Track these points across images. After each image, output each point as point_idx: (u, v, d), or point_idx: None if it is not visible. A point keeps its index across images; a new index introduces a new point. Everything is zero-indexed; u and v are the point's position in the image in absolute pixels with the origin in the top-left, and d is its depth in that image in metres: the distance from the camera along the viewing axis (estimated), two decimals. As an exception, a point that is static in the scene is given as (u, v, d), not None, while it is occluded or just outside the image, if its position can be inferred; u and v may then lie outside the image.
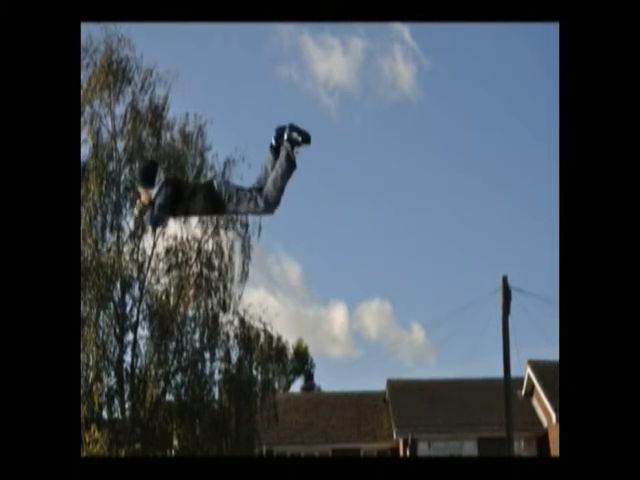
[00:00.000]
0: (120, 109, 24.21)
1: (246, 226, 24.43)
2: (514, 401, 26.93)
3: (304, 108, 56.87)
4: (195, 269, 24.08)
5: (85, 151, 23.03)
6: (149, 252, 23.79)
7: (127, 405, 23.10)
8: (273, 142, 6.59)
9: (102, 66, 23.76)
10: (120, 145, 23.97)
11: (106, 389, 22.86)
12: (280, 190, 6.55)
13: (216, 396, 24.24)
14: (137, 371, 23.37)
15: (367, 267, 60.44)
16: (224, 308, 24.05)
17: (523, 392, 32.18)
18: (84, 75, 23.20)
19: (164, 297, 23.76)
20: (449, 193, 54.97)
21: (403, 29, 52.80)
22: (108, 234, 23.74)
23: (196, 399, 23.46)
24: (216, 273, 24.16)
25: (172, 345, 23.67)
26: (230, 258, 24.32)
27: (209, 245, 24.27)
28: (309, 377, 49.00)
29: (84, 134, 23.00)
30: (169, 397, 23.75)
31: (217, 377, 24.09)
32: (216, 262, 24.17)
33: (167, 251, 23.91)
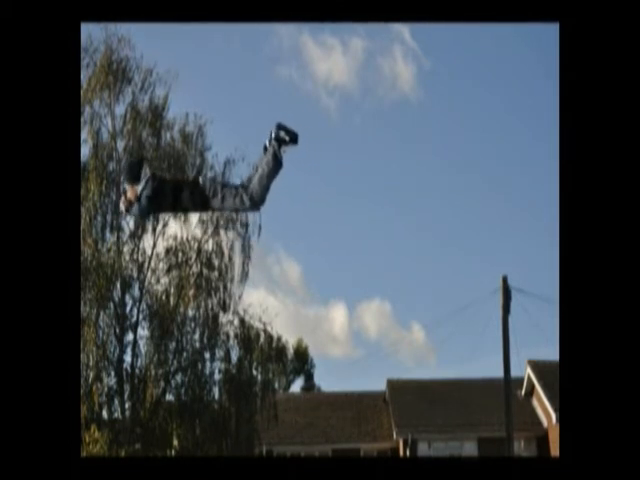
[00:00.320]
0: (120, 109, 24.23)
1: (246, 226, 24.44)
2: (514, 401, 26.93)
3: (304, 108, 56.92)
4: (195, 269, 24.08)
5: (85, 151, 23.04)
6: (149, 252, 23.80)
7: (127, 405, 23.10)
8: (267, 143, 6.61)
9: (102, 66, 23.75)
10: (120, 145, 23.97)
11: (106, 389, 22.86)
12: (265, 188, 6.57)
13: (216, 396, 24.24)
14: (137, 371, 23.36)
15: (367, 267, 60.48)
16: (224, 308, 24.05)
17: (523, 392, 32.19)
18: (84, 75, 23.21)
19: (164, 297, 23.76)
20: (449, 193, 55.01)
21: (403, 29, 52.83)
22: (108, 234, 23.75)
23: (196, 399, 23.46)
24: (216, 273, 24.15)
25: (172, 345, 23.67)
26: (230, 258, 24.32)
27: (209, 245, 24.28)
28: (309, 377, 49.00)
29: (84, 134, 23.01)
30: (169, 397, 23.75)
31: (217, 377, 24.11)
32: (216, 262, 24.17)
33: (167, 251, 23.91)
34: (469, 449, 30.56)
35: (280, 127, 6.53)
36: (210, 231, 24.32)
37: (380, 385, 34.94)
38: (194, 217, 24.09)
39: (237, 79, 55.81)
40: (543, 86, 54.18)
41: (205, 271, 24.06)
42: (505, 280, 25.52)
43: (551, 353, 40.07)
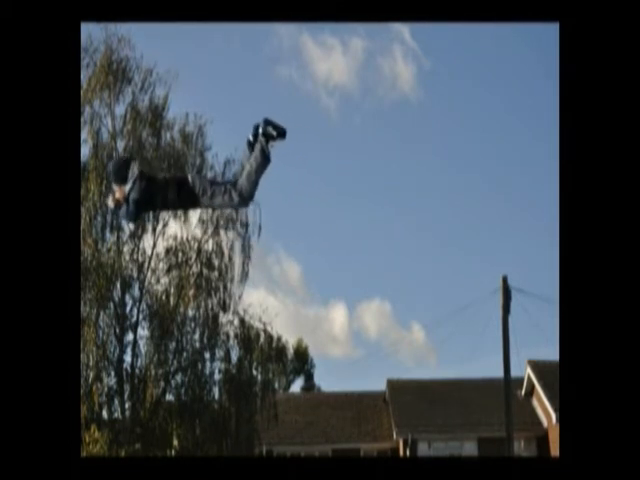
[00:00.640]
0: (120, 109, 24.23)
1: (246, 226, 24.43)
2: (514, 401, 26.93)
3: (304, 108, 56.94)
4: (195, 269, 24.08)
5: (85, 151, 23.02)
6: (149, 252, 23.80)
7: (127, 405, 23.10)
8: (250, 138, 6.58)
9: (102, 66, 23.75)
10: (120, 145, 23.97)
11: (106, 389, 22.86)
12: (254, 184, 6.56)
13: (216, 396, 24.25)
14: (137, 371, 23.37)
15: (367, 267, 60.48)
16: (224, 308, 24.05)
17: (523, 392, 32.19)
18: (84, 75, 23.21)
19: (164, 297, 23.76)
20: (449, 193, 55.01)
21: (403, 29, 52.83)
22: (108, 234, 23.75)
23: (196, 399, 23.46)
24: (216, 273, 24.15)
25: (172, 345, 23.67)
26: (230, 258, 24.31)
27: (209, 245, 24.28)
28: (309, 377, 49.00)
29: (84, 134, 23.00)
30: (169, 397, 23.75)
31: (217, 377, 24.11)
32: (216, 262, 24.17)
33: (167, 251, 23.91)
34: (469, 449, 30.56)
35: (268, 122, 6.51)
36: (210, 231, 24.32)
37: (380, 385, 34.97)
38: (194, 217, 24.12)
39: (237, 79, 55.84)
40: (543, 86, 54.21)
41: (205, 271, 24.06)
42: (505, 280, 25.52)
43: (551, 353, 40.08)
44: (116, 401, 23.12)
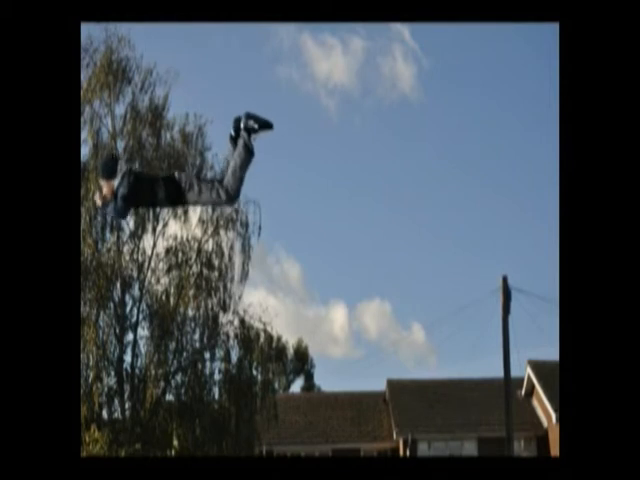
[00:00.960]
0: (120, 109, 24.22)
1: (246, 226, 24.43)
2: (514, 401, 26.94)
3: (304, 108, 56.97)
4: (195, 269, 24.07)
5: (85, 151, 23.01)
6: (149, 252, 23.79)
7: (127, 405, 23.10)
8: (232, 133, 6.57)
9: (102, 66, 23.75)
10: (120, 145, 23.97)
11: (106, 389, 22.86)
12: (239, 180, 6.55)
13: (216, 396, 24.24)
14: (137, 371, 23.36)
15: (367, 267, 60.46)
16: (224, 308, 24.04)
17: (523, 392, 32.19)
18: (84, 75, 23.20)
19: (164, 297, 23.76)
20: (449, 193, 55.01)
21: (403, 29, 52.81)
22: (108, 234, 23.75)
23: (196, 399, 23.45)
24: (216, 273, 24.15)
25: (172, 345, 23.66)
26: (230, 258, 24.31)
27: (209, 245, 24.28)
28: (309, 377, 48.98)
29: (84, 134, 22.99)
30: (169, 397, 23.74)
31: (217, 377, 24.11)
32: (216, 262, 24.17)
33: (167, 251, 23.91)
34: (469, 449, 30.56)
35: (249, 116, 6.50)
36: (210, 231, 24.32)
37: (380, 385, 34.95)
38: (194, 217, 24.13)
39: (237, 79, 55.82)
40: (543, 86, 54.20)
41: (205, 271, 24.06)
42: (505, 280, 25.53)
43: (551, 353, 40.09)
44: (116, 401, 23.12)
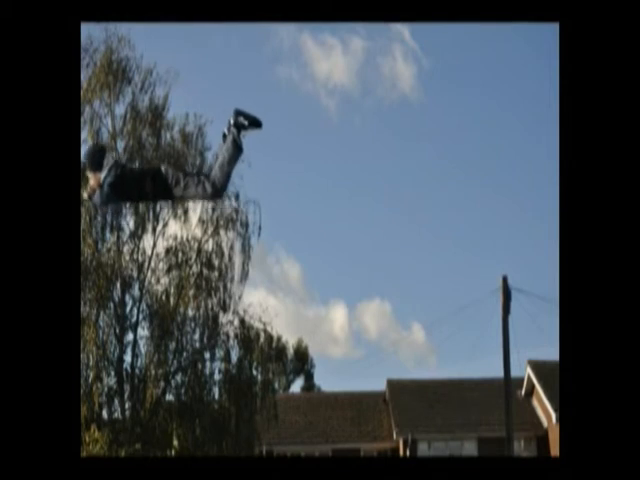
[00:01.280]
0: (120, 109, 24.23)
1: (246, 226, 24.43)
2: (514, 401, 26.94)
3: (304, 108, 56.97)
4: (195, 269, 24.07)
5: (85, 151, 23.00)
6: (149, 252, 23.79)
7: (127, 405, 23.10)
8: (225, 130, 6.60)
9: (102, 66, 23.75)
10: (120, 145, 23.98)
11: (106, 389, 22.86)
12: (227, 175, 6.57)
13: (216, 396, 24.24)
14: (137, 371, 23.36)
15: (367, 267, 60.48)
16: (224, 308, 24.04)
17: (523, 392, 32.19)
18: (84, 75, 23.20)
19: (164, 297, 23.76)
20: (449, 193, 55.04)
21: (403, 29, 52.83)
22: (108, 234, 23.75)
23: (196, 399, 23.45)
24: (216, 273, 24.14)
25: (172, 345, 23.66)
26: (230, 258, 24.30)
27: (209, 245, 24.27)
28: (309, 377, 48.98)
29: (84, 134, 22.98)
30: (169, 397, 23.74)
31: (217, 377, 24.11)
32: (216, 262, 24.16)
33: (167, 251, 23.91)
34: (469, 449, 30.56)
35: (239, 113, 6.53)
36: (210, 231, 24.31)
37: (380, 385, 34.96)
38: (194, 217, 24.13)
39: (237, 79, 55.81)
40: (543, 86, 54.20)
41: (205, 271, 24.06)
42: (505, 280, 25.53)
43: (551, 353, 40.08)
44: (116, 401, 23.12)
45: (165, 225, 24.02)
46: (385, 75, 58.42)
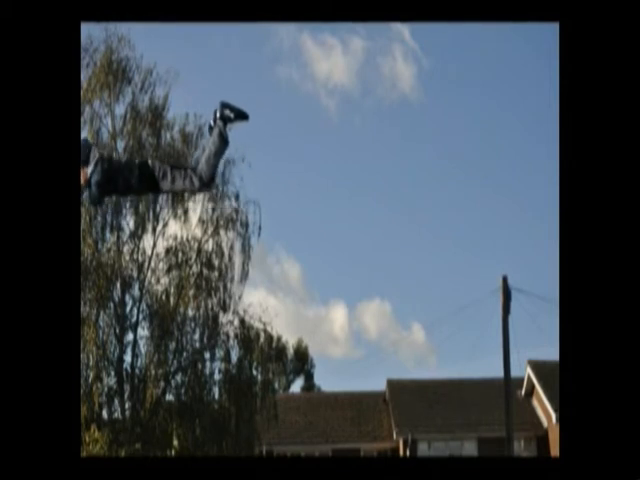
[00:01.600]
0: (120, 109, 24.26)
1: (246, 226, 24.45)
2: (514, 401, 26.94)
3: (304, 108, 56.97)
4: (195, 269, 24.09)
5: (85, 151, 23.00)
6: (149, 252, 23.81)
7: (127, 405, 23.11)
8: (211, 123, 6.61)
9: (102, 66, 23.76)
10: (120, 145, 24.00)
11: (106, 389, 22.87)
12: (213, 167, 6.56)
13: (216, 396, 24.26)
14: (137, 371, 23.37)
15: (367, 267, 60.50)
16: (224, 308, 24.05)
17: (523, 392, 32.19)
18: (84, 75, 23.23)
19: (164, 297, 23.77)
20: (449, 193, 55.06)
21: (403, 29, 52.83)
22: (108, 234, 23.77)
23: (196, 399, 23.46)
24: (216, 273, 24.16)
25: (172, 345, 23.67)
26: (230, 258, 24.33)
27: (209, 245, 24.29)
28: (309, 377, 48.98)
29: (84, 134, 22.93)
30: (169, 397, 23.76)
31: (217, 377, 24.14)
32: (216, 262, 24.18)
33: (167, 251, 23.92)
34: (469, 449, 30.57)
35: (225, 105, 6.54)
36: (210, 231, 24.32)
37: (380, 385, 34.97)
38: (194, 217, 24.14)
39: (237, 79, 55.79)
40: (543, 86, 54.21)
41: (205, 271, 24.07)
42: (505, 280, 25.54)
43: (551, 353, 40.09)
44: (116, 401, 23.14)
45: (165, 225, 24.03)
46: (385, 75, 58.44)
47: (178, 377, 23.74)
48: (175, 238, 23.93)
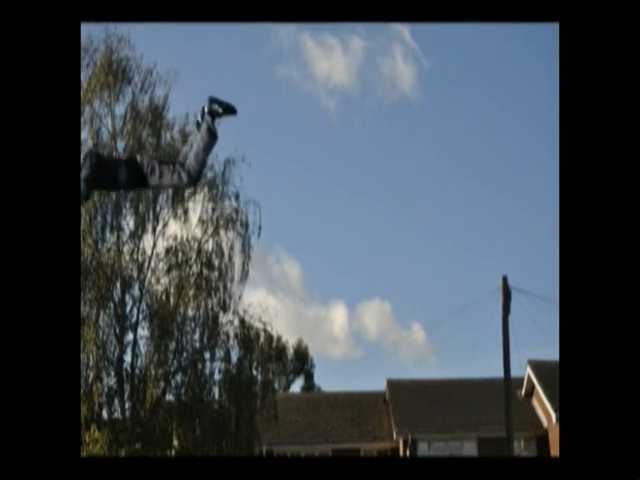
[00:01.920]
0: (120, 109, 24.25)
1: (246, 226, 24.44)
2: (514, 401, 26.94)
3: (304, 108, 56.97)
4: (195, 269, 24.08)
5: (85, 151, 23.00)
6: (149, 252, 23.80)
7: (127, 405, 23.11)
8: (199, 119, 6.61)
9: (102, 66, 23.76)
10: (120, 145, 23.99)
11: (106, 389, 22.87)
12: (202, 163, 6.58)
13: (216, 396, 24.26)
14: (137, 371, 23.37)
15: (367, 267, 60.52)
16: (224, 308, 24.05)
17: (523, 392, 32.19)
18: (84, 75, 23.22)
19: (164, 297, 23.77)
20: (449, 193, 55.07)
21: (403, 29, 52.83)
22: (108, 234, 23.77)
23: (196, 399, 23.46)
24: (216, 273, 24.15)
25: (172, 345, 23.67)
26: (230, 258, 24.32)
27: (209, 245, 24.29)
28: (309, 377, 48.99)
29: (84, 134, 22.99)
30: (169, 397, 23.75)
31: (217, 377, 24.13)
32: (216, 262, 24.17)
33: (167, 251, 23.91)
34: (469, 449, 30.57)
35: (213, 100, 6.54)
36: (210, 231, 24.32)
37: (380, 385, 34.98)
38: (194, 217, 24.14)
39: (237, 79, 55.79)
40: (543, 86, 54.21)
41: (205, 271, 24.06)
42: (505, 280, 25.54)
43: (551, 353, 40.09)
44: (116, 401, 23.13)
45: (165, 225, 24.03)
46: (385, 75, 58.45)
47: (178, 377, 23.74)
48: (175, 238, 23.93)
